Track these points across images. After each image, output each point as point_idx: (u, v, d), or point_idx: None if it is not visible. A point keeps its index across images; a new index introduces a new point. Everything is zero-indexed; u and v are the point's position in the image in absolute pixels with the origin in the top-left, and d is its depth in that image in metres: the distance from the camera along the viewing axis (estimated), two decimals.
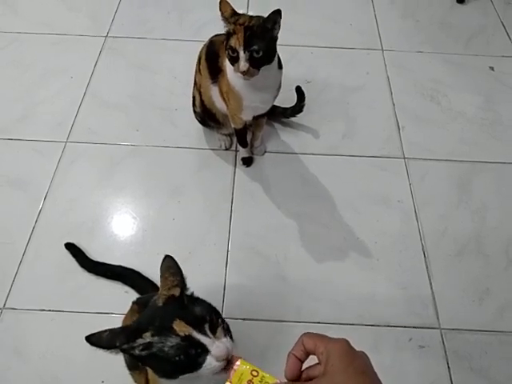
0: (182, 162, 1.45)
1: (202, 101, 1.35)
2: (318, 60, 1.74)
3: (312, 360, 0.50)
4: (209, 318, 0.64)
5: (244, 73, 1.04)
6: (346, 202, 1.37)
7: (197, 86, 1.36)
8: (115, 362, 0.78)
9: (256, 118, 1.32)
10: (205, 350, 0.62)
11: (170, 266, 0.71)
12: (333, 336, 0.49)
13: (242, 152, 1.43)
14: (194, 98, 1.41)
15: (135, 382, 0.95)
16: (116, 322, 0.90)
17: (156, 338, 0.62)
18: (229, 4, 1.07)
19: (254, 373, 0.53)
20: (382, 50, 1.79)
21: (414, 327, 1.16)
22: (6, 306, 1.16)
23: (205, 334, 0.62)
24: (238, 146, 1.42)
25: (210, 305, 0.70)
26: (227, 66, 1.14)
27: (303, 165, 1.45)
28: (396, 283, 1.23)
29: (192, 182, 1.41)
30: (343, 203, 1.37)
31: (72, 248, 1.23)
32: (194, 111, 1.45)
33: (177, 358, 0.61)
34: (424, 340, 1.14)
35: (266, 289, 1.21)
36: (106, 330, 0.64)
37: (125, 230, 1.30)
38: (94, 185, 1.39)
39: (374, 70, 1.72)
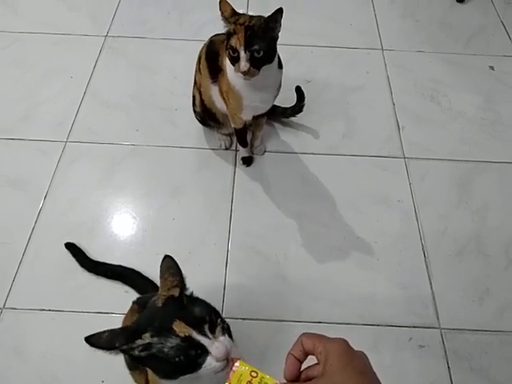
0: (182, 162, 1.45)
1: (201, 100, 1.35)
2: (317, 60, 1.74)
3: (311, 360, 0.50)
4: (208, 318, 0.64)
5: (245, 73, 1.04)
6: (346, 201, 1.37)
7: (197, 85, 1.36)
8: (115, 362, 0.78)
9: (256, 118, 1.32)
10: (204, 351, 0.62)
11: (170, 266, 0.71)
12: (333, 336, 0.49)
13: (242, 152, 1.43)
14: (193, 97, 1.41)
15: (135, 382, 0.95)
16: (116, 321, 0.90)
17: (155, 339, 0.62)
18: (228, 4, 1.07)
19: (254, 374, 0.53)
20: (382, 49, 1.79)
21: (413, 327, 1.16)
22: (6, 306, 1.16)
23: (204, 334, 0.62)
24: (238, 145, 1.43)
25: (209, 305, 0.70)
26: (227, 65, 1.14)
27: (303, 164, 1.45)
28: (396, 283, 1.23)
29: (192, 181, 1.41)
30: (343, 203, 1.37)
31: (72, 248, 1.23)
32: (194, 111, 1.45)
33: (176, 359, 0.61)
34: (424, 340, 1.14)
35: (266, 288, 1.21)
36: (105, 331, 0.64)
37: (125, 230, 1.30)
38: (94, 185, 1.39)
39: (373, 69, 1.72)
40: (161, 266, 0.71)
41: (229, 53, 1.06)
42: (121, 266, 1.20)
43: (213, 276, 1.22)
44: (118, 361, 0.84)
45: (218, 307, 1.14)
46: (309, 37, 1.80)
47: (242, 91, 1.15)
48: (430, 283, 1.23)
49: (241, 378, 0.53)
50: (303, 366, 0.51)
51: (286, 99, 1.46)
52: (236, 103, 1.20)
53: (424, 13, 1.93)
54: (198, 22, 1.83)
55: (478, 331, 1.16)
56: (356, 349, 0.48)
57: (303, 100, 1.47)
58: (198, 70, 1.32)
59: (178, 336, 0.61)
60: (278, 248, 1.27)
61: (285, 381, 0.50)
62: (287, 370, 0.50)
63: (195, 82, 1.38)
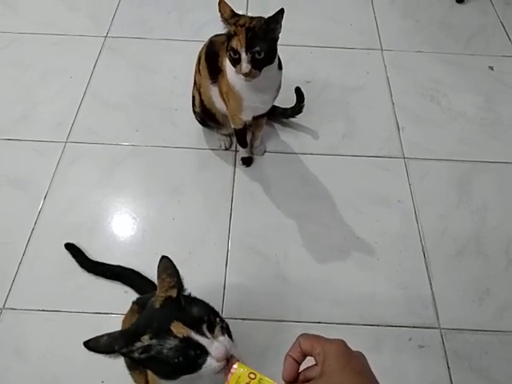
0: (181, 162, 1.45)
1: (201, 101, 1.35)
2: (317, 60, 1.74)
3: (309, 361, 0.50)
4: (206, 318, 0.63)
5: (246, 74, 1.04)
6: (346, 201, 1.37)
7: (196, 86, 1.36)
8: (115, 362, 0.77)
9: (256, 119, 1.32)
10: (204, 351, 0.61)
11: (167, 266, 0.70)
12: (332, 336, 0.49)
13: (242, 152, 1.43)
14: (193, 98, 1.41)
15: (135, 382, 0.95)
16: (116, 322, 0.90)
17: (154, 341, 0.62)
18: (227, 5, 1.07)
19: (252, 375, 0.53)
20: (382, 49, 1.79)
21: (413, 327, 1.16)
22: (6, 306, 1.16)
23: (203, 334, 0.62)
24: (238, 146, 1.42)
25: (207, 304, 0.70)
26: (227, 66, 1.14)
27: (303, 165, 1.45)
28: (396, 283, 1.23)
29: (192, 181, 1.41)
30: (343, 203, 1.37)
31: (72, 248, 1.23)
32: (194, 111, 1.45)
33: (176, 360, 0.61)
34: (424, 340, 1.14)
35: (266, 289, 1.21)
36: (103, 335, 0.63)
37: (125, 230, 1.31)
38: (94, 185, 1.39)
39: (373, 69, 1.72)
40: (158, 267, 0.71)
41: (230, 54, 1.06)
42: (120, 266, 1.20)
43: (213, 276, 1.22)
44: (117, 361, 0.84)
45: (218, 307, 1.14)
46: (309, 37, 1.80)
47: (242, 92, 1.15)
48: (430, 283, 1.23)
49: (239, 379, 0.53)
50: (301, 368, 0.51)
51: (286, 100, 1.46)
52: (236, 104, 1.20)
53: (424, 13, 1.93)
54: (198, 22, 1.83)
55: (478, 331, 1.16)
56: (356, 349, 0.48)
57: (303, 101, 1.47)
58: (198, 70, 1.32)
59: (176, 337, 0.61)
60: (278, 248, 1.27)
61: (283, 382, 0.50)
62: (285, 371, 0.50)
63: (195, 83, 1.38)
